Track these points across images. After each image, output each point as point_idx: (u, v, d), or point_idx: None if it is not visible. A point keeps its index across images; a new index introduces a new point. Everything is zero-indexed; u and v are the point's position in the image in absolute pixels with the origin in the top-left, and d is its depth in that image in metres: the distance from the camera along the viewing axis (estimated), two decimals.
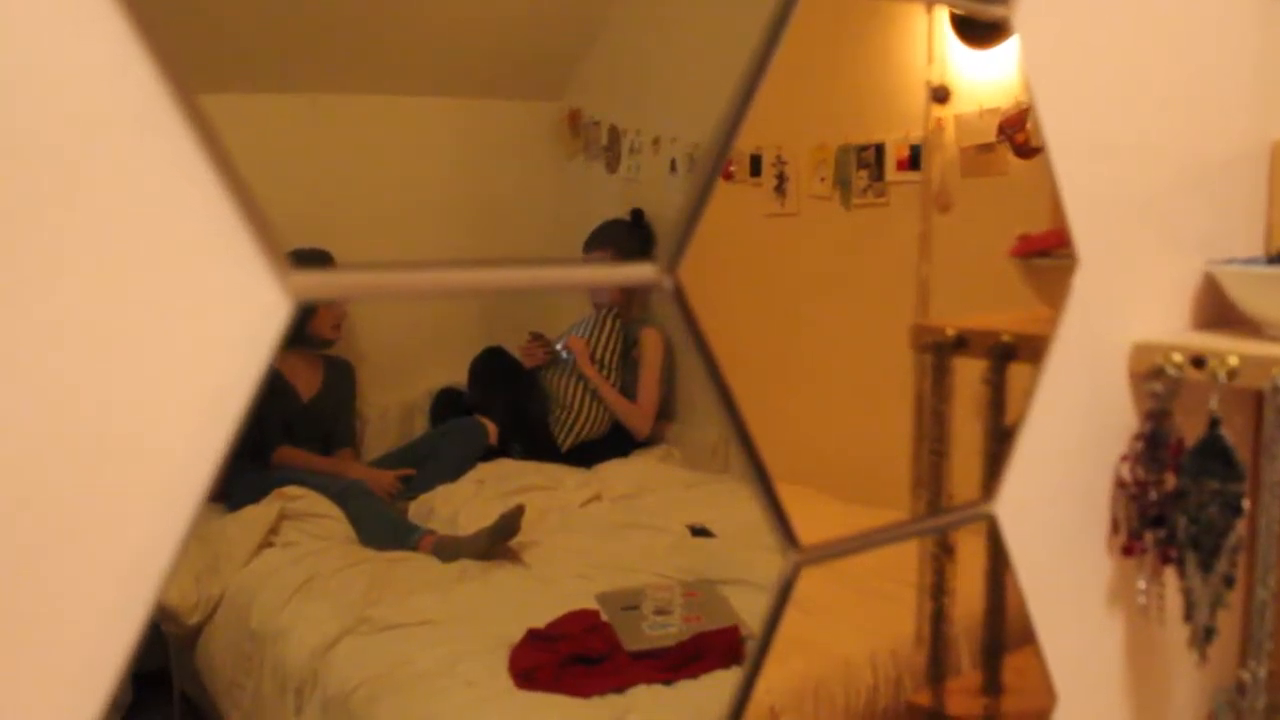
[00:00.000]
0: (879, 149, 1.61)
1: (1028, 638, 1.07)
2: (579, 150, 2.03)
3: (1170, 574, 1.12)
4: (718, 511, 1.74)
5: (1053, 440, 1.03)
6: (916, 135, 1.56)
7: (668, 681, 1.41)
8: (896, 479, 1.25)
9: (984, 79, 1.50)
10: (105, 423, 0.62)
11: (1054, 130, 1.15)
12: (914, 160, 1.58)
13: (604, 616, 1.51)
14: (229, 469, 1.68)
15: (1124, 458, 1.12)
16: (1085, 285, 1.06)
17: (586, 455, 1.91)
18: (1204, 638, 1.13)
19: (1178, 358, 1.06)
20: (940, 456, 0.96)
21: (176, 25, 0.63)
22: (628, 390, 1.94)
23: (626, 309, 1.95)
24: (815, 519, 1.56)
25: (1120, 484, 1.12)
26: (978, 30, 1.48)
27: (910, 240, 1.52)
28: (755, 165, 1.70)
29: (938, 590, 1.03)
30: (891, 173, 1.58)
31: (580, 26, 1.98)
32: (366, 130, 1.83)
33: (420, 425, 1.92)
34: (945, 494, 0.98)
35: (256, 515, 1.65)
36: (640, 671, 1.41)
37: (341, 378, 1.84)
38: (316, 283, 0.66)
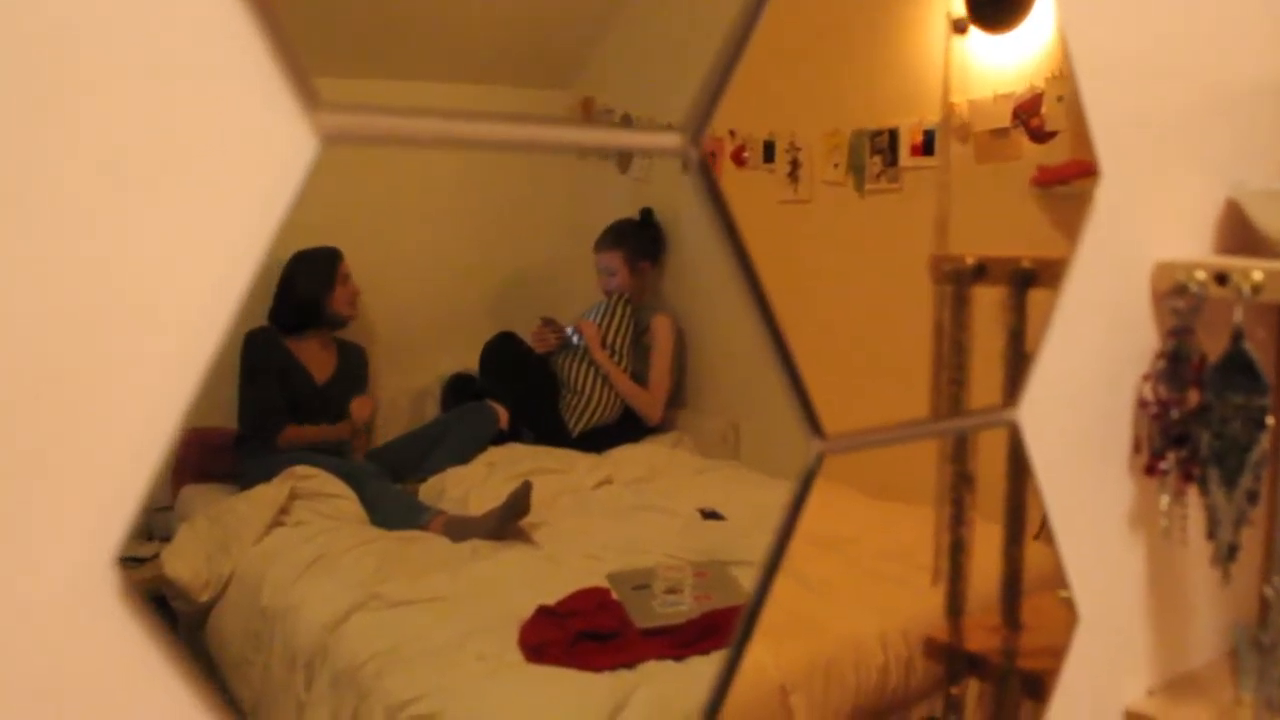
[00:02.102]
0: (893, 134, 1.61)
1: (1044, 582, 1.07)
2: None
3: (1193, 494, 1.11)
4: (728, 496, 1.74)
5: (1074, 355, 1.02)
6: (930, 120, 1.57)
7: (678, 657, 1.41)
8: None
9: (998, 64, 1.50)
10: (127, 262, 0.60)
11: (1079, 47, 1.14)
12: (928, 145, 1.58)
13: (615, 595, 1.51)
14: (240, 449, 1.67)
15: (1146, 376, 1.11)
16: (1107, 200, 1.05)
17: (597, 441, 1.92)
18: (1227, 555, 1.12)
19: (1201, 275, 1.05)
20: (959, 386, 0.96)
21: None
22: (639, 376, 1.94)
23: (638, 295, 1.96)
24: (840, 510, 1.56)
25: (1142, 403, 1.12)
26: (992, 14, 1.48)
27: (924, 226, 1.52)
28: (769, 151, 1.70)
29: (956, 522, 1.03)
30: (905, 158, 1.58)
31: (593, 13, 1.99)
32: None
33: (431, 411, 1.92)
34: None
35: (267, 494, 1.65)
36: (651, 648, 1.41)
37: (354, 362, 1.84)
38: (344, 122, 0.64)
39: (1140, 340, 1.14)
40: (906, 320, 1.36)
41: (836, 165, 1.67)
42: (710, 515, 1.72)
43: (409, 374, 1.92)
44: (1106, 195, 1.07)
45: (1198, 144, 1.26)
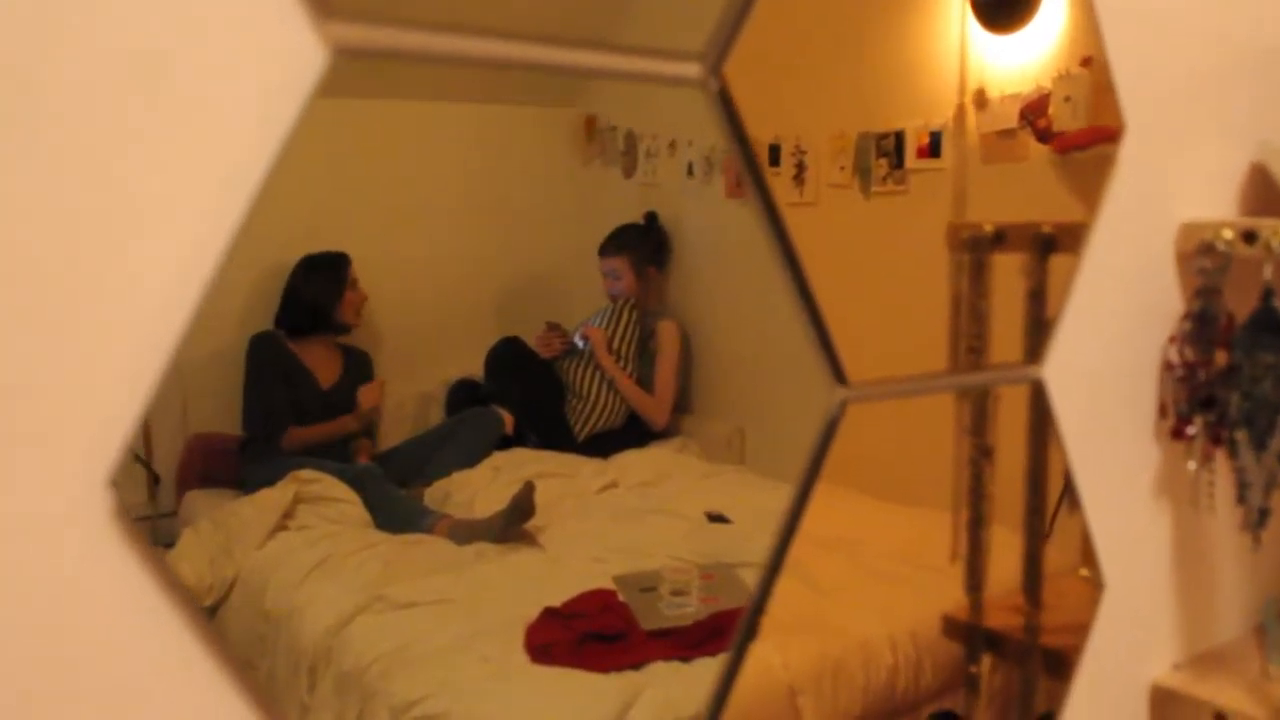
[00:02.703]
0: (899, 136, 1.60)
1: (1065, 565, 1.06)
2: (595, 155, 2.04)
3: (1221, 460, 1.08)
4: (734, 500, 1.74)
5: (1098, 317, 1.00)
6: (937, 122, 1.56)
7: (685, 659, 1.40)
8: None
9: (1005, 65, 1.50)
10: (126, 174, 0.59)
11: (1106, 5, 1.12)
12: (934, 148, 1.57)
13: (621, 597, 1.50)
14: (244, 453, 1.66)
15: (1172, 339, 1.09)
16: (1131, 159, 1.04)
17: (603, 445, 1.92)
18: (1258, 520, 1.10)
19: (1228, 234, 1.04)
20: (979, 354, 0.95)
21: None
22: (644, 382, 1.94)
23: (643, 300, 1.96)
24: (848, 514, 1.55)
25: (1168, 366, 1.10)
26: (999, 15, 1.48)
27: (931, 227, 1.51)
28: (774, 155, 1.70)
29: (975, 496, 1.02)
30: (911, 160, 1.58)
31: (595, 33, 1.99)
32: (385, 134, 1.83)
33: (436, 416, 1.91)
34: (991, 395, 0.97)
35: (271, 498, 1.64)
36: (658, 649, 1.40)
37: (359, 367, 1.84)
38: (355, 34, 0.62)
39: (1165, 303, 1.12)
40: (917, 323, 1.35)
41: (843, 168, 1.66)
42: (716, 519, 1.71)
43: (414, 379, 1.92)
44: (1130, 153, 1.05)
45: (1222, 106, 1.24)
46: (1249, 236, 1.05)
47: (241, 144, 0.61)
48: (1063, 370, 0.98)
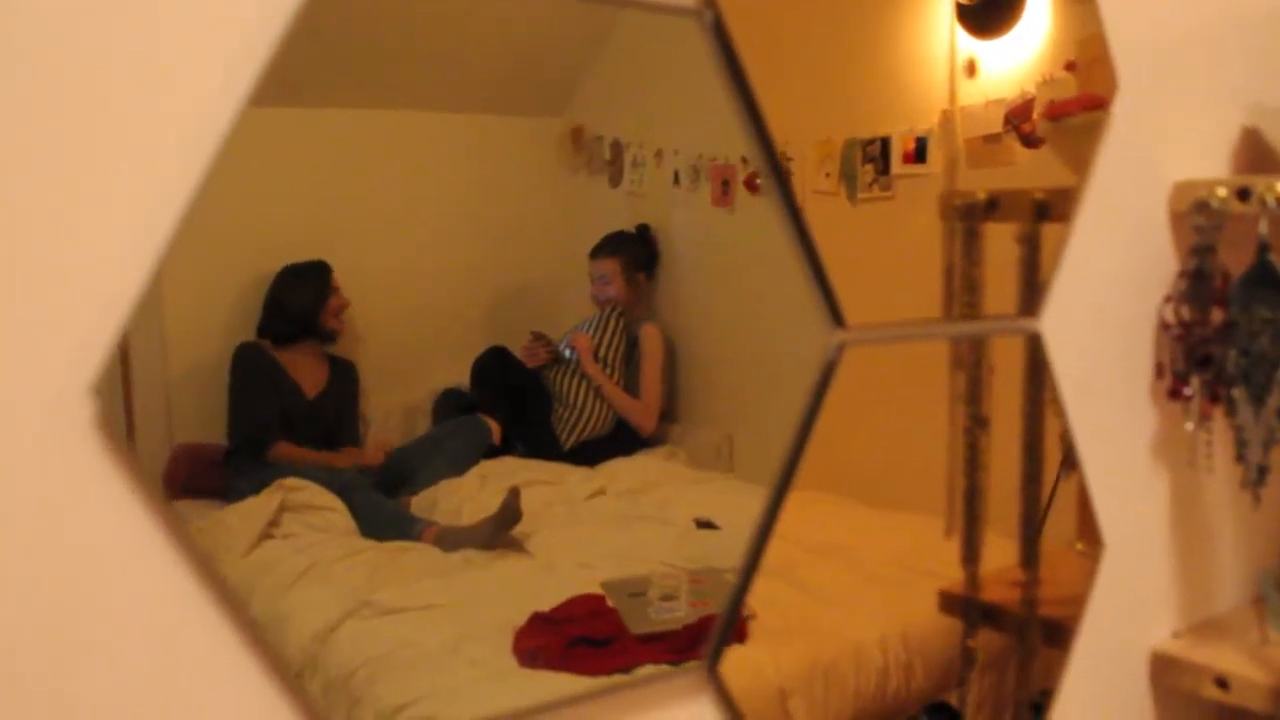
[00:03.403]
0: (885, 142, 1.61)
1: (1060, 543, 1.06)
2: (582, 165, 2.04)
3: (1219, 419, 1.08)
4: (723, 507, 1.73)
5: (1093, 275, 1.00)
6: (922, 128, 1.57)
7: (674, 662, 1.39)
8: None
9: (989, 70, 1.51)
10: (110, 77, 0.59)
11: None
12: (920, 153, 1.58)
13: (610, 602, 1.50)
14: (230, 464, 1.65)
15: (1167, 298, 1.09)
16: (1125, 114, 1.03)
17: (590, 454, 1.91)
18: (1257, 477, 1.10)
19: (1222, 191, 1.04)
20: (973, 321, 0.95)
21: None
22: (632, 389, 1.94)
23: (632, 307, 1.96)
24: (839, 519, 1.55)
25: (1164, 326, 1.10)
26: (984, 20, 1.49)
27: (916, 233, 1.52)
28: None
29: (971, 466, 1.02)
30: (897, 166, 1.59)
31: (582, 43, 2.00)
32: (371, 144, 1.84)
33: (423, 427, 1.91)
34: (985, 365, 0.97)
35: (256, 506, 1.63)
36: (647, 652, 1.40)
37: (345, 377, 1.84)
38: None
39: (1159, 264, 1.12)
40: (906, 381, 1.35)
41: (828, 174, 1.67)
42: (705, 525, 1.71)
43: (400, 389, 1.91)
44: (1124, 111, 1.05)
45: (1216, 69, 1.24)
46: (1243, 194, 1.05)
47: (233, 52, 0.62)
48: (1059, 325, 0.97)
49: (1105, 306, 1.07)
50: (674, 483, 1.84)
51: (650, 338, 1.95)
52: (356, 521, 1.67)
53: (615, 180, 2.00)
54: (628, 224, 1.97)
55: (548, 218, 1.96)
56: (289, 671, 0.84)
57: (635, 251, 1.94)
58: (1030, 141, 1.45)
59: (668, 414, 1.98)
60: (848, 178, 1.65)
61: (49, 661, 0.65)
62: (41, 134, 0.58)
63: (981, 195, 0.99)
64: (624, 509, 1.78)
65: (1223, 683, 1.28)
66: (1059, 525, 1.06)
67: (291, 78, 1.79)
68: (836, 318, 0.86)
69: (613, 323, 1.95)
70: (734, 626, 0.91)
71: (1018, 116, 1.46)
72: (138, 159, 0.62)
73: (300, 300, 1.73)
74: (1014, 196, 0.99)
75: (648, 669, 1.29)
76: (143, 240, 0.62)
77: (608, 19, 1.93)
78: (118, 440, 0.64)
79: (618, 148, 2.02)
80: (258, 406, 1.69)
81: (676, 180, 1.98)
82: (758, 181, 1.78)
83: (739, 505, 1.74)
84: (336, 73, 1.75)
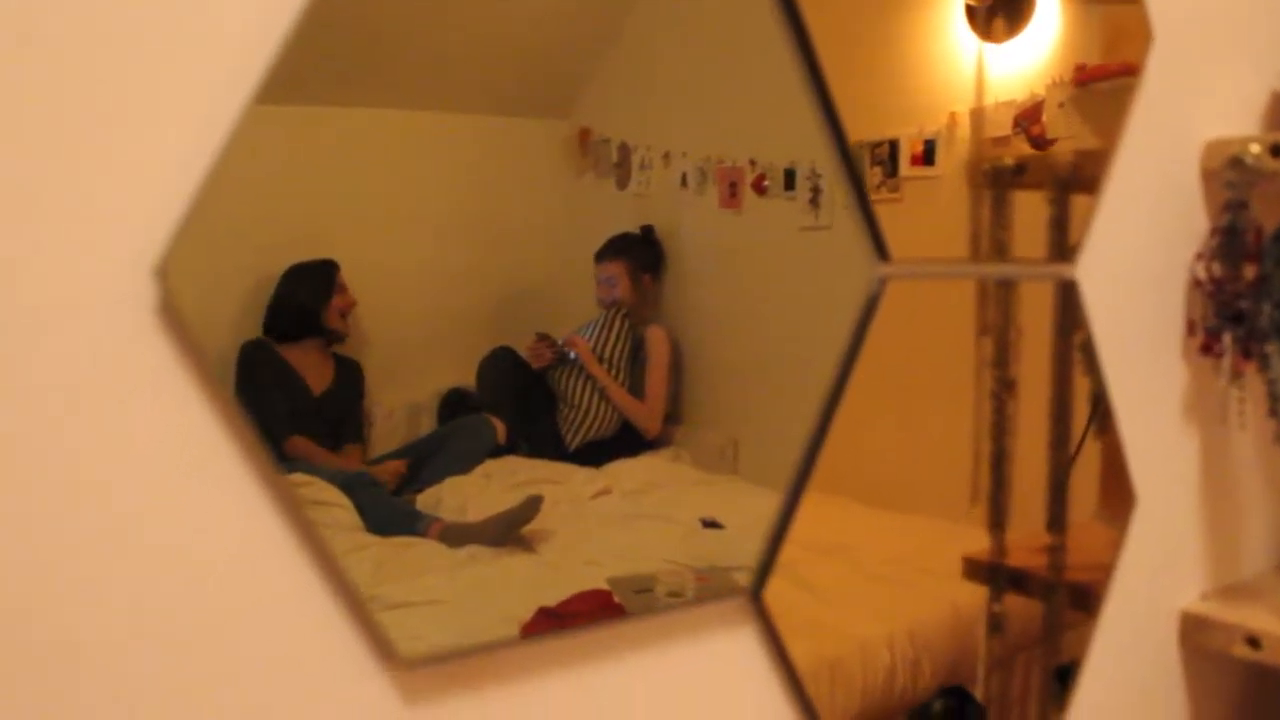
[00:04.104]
0: (893, 145, 1.62)
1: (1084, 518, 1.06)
2: (589, 167, 2.04)
3: (1251, 376, 1.07)
4: (728, 507, 1.74)
5: (1125, 232, 1.00)
6: (931, 130, 1.58)
7: None
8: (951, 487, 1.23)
9: (999, 72, 1.52)
10: None
11: None
12: (928, 155, 1.59)
13: (616, 598, 1.50)
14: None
15: (1199, 256, 1.09)
16: (1158, 71, 1.03)
17: (595, 454, 1.91)
18: None
19: (1255, 148, 1.04)
20: (1006, 288, 0.95)
21: None
22: (636, 390, 1.94)
23: (637, 309, 1.96)
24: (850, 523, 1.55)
25: (1196, 282, 1.09)
26: (994, 22, 1.50)
27: (925, 234, 1.53)
28: (789, 180, 1.73)
29: (998, 430, 1.01)
30: (906, 168, 1.59)
31: (590, 44, 2.01)
32: (377, 144, 1.84)
33: (427, 426, 1.90)
34: (1014, 329, 0.97)
35: None
36: None
37: (351, 375, 1.84)
38: None
39: (1191, 221, 1.12)
40: (935, 405, 1.35)
41: None
42: (710, 524, 1.71)
43: (405, 389, 1.91)
44: (1157, 68, 1.05)
45: (1247, 31, 1.24)
46: (1276, 150, 1.05)
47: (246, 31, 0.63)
48: (1092, 277, 0.97)
49: (1137, 263, 1.08)
50: (679, 483, 1.85)
51: (656, 340, 1.95)
52: (362, 517, 1.67)
53: (623, 183, 2.00)
54: (634, 226, 1.97)
55: (554, 220, 1.96)
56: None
57: (641, 253, 1.94)
58: (1039, 143, 1.46)
59: (672, 416, 1.98)
60: None
61: (103, 532, 0.66)
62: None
63: (1009, 160, 0.99)
64: (629, 508, 1.78)
65: (1254, 641, 1.27)
66: (1080, 500, 1.06)
67: (300, 75, 1.80)
68: (881, 251, 0.87)
69: (618, 324, 1.95)
70: (775, 556, 0.91)
71: (1027, 119, 1.46)
72: (204, 48, 0.62)
73: (304, 295, 1.73)
74: (1042, 159, 1.00)
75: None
76: (209, 129, 0.63)
77: (616, 20, 1.94)
78: (178, 325, 0.65)
79: (625, 150, 2.02)
80: (265, 402, 1.69)
81: (684, 183, 1.99)
82: (765, 184, 1.78)
83: (744, 505, 1.75)
84: (344, 71, 1.76)
